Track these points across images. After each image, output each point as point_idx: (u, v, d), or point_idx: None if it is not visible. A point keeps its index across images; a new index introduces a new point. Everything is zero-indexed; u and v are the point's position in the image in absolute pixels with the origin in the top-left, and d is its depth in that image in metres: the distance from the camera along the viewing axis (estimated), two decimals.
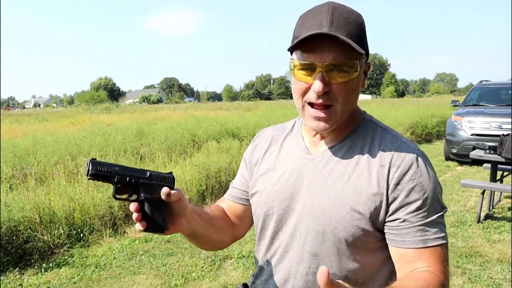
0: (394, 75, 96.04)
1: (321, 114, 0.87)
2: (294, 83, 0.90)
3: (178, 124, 9.49)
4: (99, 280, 3.36)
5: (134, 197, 0.89)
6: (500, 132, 6.66)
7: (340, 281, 0.65)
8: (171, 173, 0.93)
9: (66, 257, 3.75)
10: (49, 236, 3.82)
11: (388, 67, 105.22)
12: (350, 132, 0.96)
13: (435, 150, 10.54)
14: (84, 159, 5.70)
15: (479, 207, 4.62)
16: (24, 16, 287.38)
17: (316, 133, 0.97)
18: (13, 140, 7.58)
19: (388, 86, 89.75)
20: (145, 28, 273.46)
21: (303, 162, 0.97)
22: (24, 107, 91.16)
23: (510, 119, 7.48)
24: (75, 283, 3.31)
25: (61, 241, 3.90)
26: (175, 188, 0.89)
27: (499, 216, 4.87)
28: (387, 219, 0.89)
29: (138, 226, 0.86)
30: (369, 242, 0.91)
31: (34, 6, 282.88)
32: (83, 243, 4.04)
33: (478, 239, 4.10)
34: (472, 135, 7.94)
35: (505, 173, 5.40)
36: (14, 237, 3.63)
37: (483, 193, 4.63)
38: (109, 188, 4.66)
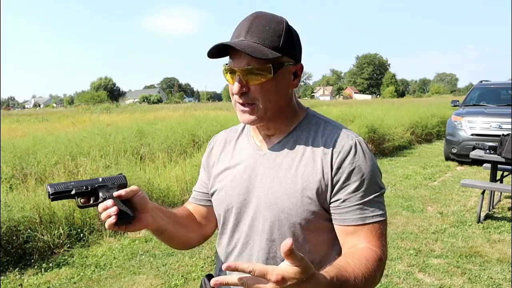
0: (394, 75, 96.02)
1: (245, 108, 0.99)
2: (229, 85, 1.02)
3: (178, 124, 9.48)
4: (99, 280, 3.36)
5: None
6: (500, 132, 6.65)
7: (301, 254, 0.71)
8: (121, 173, 1.01)
9: (66, 257, 3.75)
10: (49, 236, 3.82)
11: (388, 67, 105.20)
12: (295, 127, 1.06)
13: (435, 150, 10.55)
14: (84, 159, 5.70)
15: (479, 207, 4.62)
16: (25, 16, 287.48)
17: (262, 132, 1.08)
18: (13, 140, 7.57)
19: (388, 86, 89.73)
20: (145, 28, 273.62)
21: (255, 158, 1.07)
22: (24, 107, 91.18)
23: (510, 119, 7.48)
24: (75, 283, 3.31)
25: (61, 241, 3.90)
26: (130, 186, 0.97)
27: (499, 216, 4.87)
28: (331, 200, 0.99)
29: (111, 219, 0.91)
30: (321, 224, 1.00)
31: (35, 5, 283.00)
32: (83, 243, 4.04)
33: (478, 239, 4.10)
34: (472, 135, 7.94)
35: (505, 173, 5.40)
36: (14, 237, 3.63)
37: (483, 193, 4.63)
38: None
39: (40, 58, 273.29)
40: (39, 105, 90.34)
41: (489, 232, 4.30)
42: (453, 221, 4.66)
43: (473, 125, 8.04)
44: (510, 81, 9.86)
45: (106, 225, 0.92)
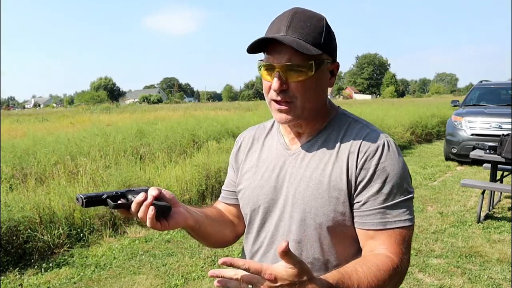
0: (394, 75, 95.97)
1: (282, 107, 0.96)
2: (263, 82, 0.99)
3: (178, 124, 9.47)
4: (99, 280, 3.36)
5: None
6: (500, 132, 6.65)
7: (299, 258, 0.72)
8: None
9: (66, 257, 3.75)
10: (49, 236, 3.81)
11: (388, 67, 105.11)
12: (324, 127, 1.04)
13: (435, 150, 10.54)
14: (84, 159, 5.70)
15: (479, 207, 4.62)
16: (25, 16, 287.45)
17: (293, 130, 1.05)
18: (13, 140, 7.58)
19: (388, 86, 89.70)
20: (145, 28, 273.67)
21: (284, 157, 1.05)
22: (24, 107, 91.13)
23: (510, 119, 7.48)
24: (75, 283, 3.31)
25: (61, 241, 3.90)
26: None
27: (499, 216, 4.86)
28: (353, 202, 0.96)
29: (150, 212, 0.89)
30: (349, 225, 0.97)
31: (34, 5, 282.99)
32: (83, 243, 4.04)
33: (478, 239, 4.10)
34: (472, 135, 7.94)
35: (505, 173, 5.40)
36: (14, 237, 3.63)
37: (483, 193, 4.63)
38: (108, 188, 4.66)
39: (40, 58, 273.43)
40: (39, 105, 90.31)
41: (489, 232, 4.30)
42: (453, 221, 4.66)
43: (473, 125, 8.04)
44: (510, 81, 9.86)
45: (148, 221, 0.89)
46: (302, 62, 0.91)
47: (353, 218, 0.96)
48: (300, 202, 0.98)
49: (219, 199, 1.22)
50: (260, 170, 1.07)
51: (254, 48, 0.94)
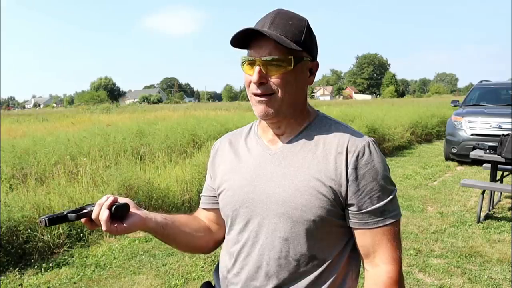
0: (394, 75, 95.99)
1: (262, 99, 0.98)
2: (244, 77, 1.01)
3: (178, 124, 9.45)
4: (99, 280, 3.36)
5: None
6: (500, 132, 6.65)
7: None
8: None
9: (66, 257, 3.75)
10: (49, 236, 3.82)
11: (388, 67, 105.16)
12: (305, 127, 1.05)
13: (435, 150, 10.54)
14: (84, 159, 5.70)
15: (479, 207, 4.62)
16: (25, 16, 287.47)
17: (272, 131, 1.06)
18: (13, 140, 7.57)
19: (388, 86, 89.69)
20: (145, 28, 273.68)
21: (264, 157, 1.05)
22: (24, 107, 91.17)
23: (510, 119, 7.48)
24: (75, 283, 3.31)
25: (61, 241, 3.90)
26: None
27: (499, 216, 4.86)
28: (348, 202, 0.98)
29: (105, 212, 0.95)
30: (335, 222, 0.99)
31: (34, 6, 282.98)
32: (83, 243, 4.04)
33: (478, 239, 4.10)
34: (472, 135, 7.94)
35: (505, 173, 5.40)
36: (14, 237, 3.63)
37: (483, 193, 4.63)
38: (108, 188, 4.66)
39: (40, 58, 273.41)
40: (39, 105, 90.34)
41: (489, 232, 4.30)
42: (453, 221, 4.66)
43: (473, 125, 8.04)
44: (510, 81, 9.86)
45: (103, 224, 0.94)
46: (282, 56, 0.94)
47: (339, 215, 0.99)
48: (286, 200, 0.98)
49: (199, 206, 1.23)
50: (240, 171, 1.07)
51: (238, 42, 0.97)
